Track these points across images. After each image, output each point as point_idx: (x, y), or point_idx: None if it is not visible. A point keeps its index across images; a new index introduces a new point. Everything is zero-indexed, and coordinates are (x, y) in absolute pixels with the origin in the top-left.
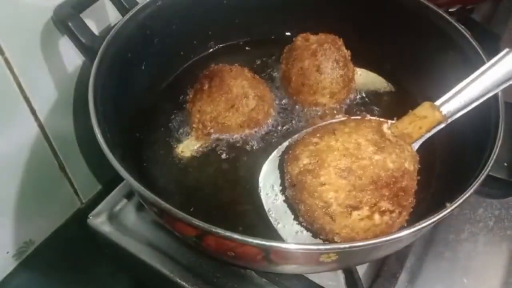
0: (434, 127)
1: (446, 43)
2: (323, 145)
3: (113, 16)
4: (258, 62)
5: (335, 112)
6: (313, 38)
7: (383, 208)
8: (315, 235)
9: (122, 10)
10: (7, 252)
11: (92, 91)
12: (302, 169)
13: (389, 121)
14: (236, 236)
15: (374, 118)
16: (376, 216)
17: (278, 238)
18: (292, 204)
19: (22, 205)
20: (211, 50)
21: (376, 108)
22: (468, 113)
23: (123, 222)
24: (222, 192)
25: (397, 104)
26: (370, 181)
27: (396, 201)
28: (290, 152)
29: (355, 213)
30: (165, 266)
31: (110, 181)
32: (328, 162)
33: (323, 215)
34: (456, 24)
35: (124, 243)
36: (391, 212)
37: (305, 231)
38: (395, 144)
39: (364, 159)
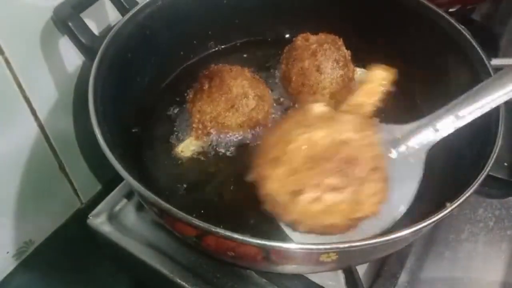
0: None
1: (446, 43)
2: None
3: (113, 16)
4: (258, 62)
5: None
6: (313, 38)
7: (332, 186)
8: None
9: (122, 10)
10: (7, 252)
11: (92, 91)
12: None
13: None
14: (236, 236)
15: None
16: (328, 196)
17: (281, 237)
18: None
19: (22, 205)
20: (211, 50)
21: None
22: None
23: (123, 222)
24: (222, 192)
25: (397, 104)
26: (304, 160)
27: (344, 174)
28: None
29: (302, 198)
30: (165, 266)
31: (110, 181)
32: (262, 156)
33: (276, 207)
34: (456, 24)
35: (124, 243)
36: (343, 188)
37: None
38: (326, 118)
39: (292, 142)
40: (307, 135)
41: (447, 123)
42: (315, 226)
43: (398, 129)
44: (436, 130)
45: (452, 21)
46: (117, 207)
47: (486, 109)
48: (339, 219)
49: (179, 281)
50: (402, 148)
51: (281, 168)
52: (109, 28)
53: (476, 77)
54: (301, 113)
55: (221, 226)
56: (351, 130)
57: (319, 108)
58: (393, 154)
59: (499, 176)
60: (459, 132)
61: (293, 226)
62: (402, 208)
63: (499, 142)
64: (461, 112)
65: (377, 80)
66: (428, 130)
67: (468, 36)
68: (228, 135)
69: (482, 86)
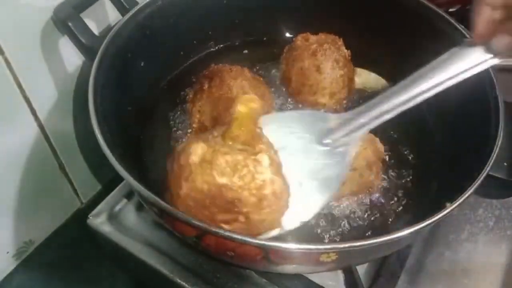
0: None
1: (446, 43)
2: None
3: (113, 16)
4: (258, 62)
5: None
6: (313, 38)
7: (224, 221)
8: None
9: (122, 10)
10: (7, 252)
11: (92, 91)
12: None
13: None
14: (235, 236)
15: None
16: (225, 227)
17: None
18: None
19: (22, 205)
20: (211, 50)
21: None
22: (469, 113)
23: (123, 222)
24: None
25: None
26: (194, 204)
27: (231, 211)
28: None
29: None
30: (165, 266)
31: (110, 181)
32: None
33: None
34: (456, 24)
35: (124, 243)
36: (234, 221)
37: None
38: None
39: (182, 188)
40: (189, 184)
41: (382, 112)
42: None
43: (334, 118)
44: (371, 119)
45: (452, 21)
46: (117, 207)
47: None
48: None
49: (179, 281)
50: (336, 136)
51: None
52: (109, 28)
53: (475, 76)
54: (181, 159)
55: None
56: (227, 173)
57: (195, 152)
58: (321, 145)
59: (499, 176)
60: (459, 132)
61: None
62: (321, 198)
63: (499, 142)
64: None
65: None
66: (360, 120)
67: (468, 36)
68: None
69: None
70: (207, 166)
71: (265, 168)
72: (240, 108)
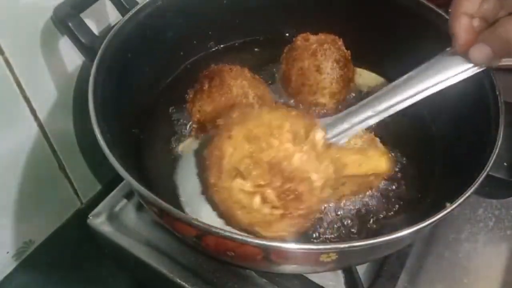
0: (377, 174)
1: (446, 42)
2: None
3: (113, 16)
4: (258, 62)
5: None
6: (313, 38)
7: (266, 196)
8: None
9: (122, 10)
10: (7, 252)
11: (92, 91)
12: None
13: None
14: (235, 235)
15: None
16: (256, 199)
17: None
18: None
19: (22, 205)
20: (211, 50)
21: None
22: (468, 113)
23: (123, 222)
24: None
25: None
26: (267, 159)
27: (283, 198)
28: None
29: (238, 180)
30: (165, 266)
31: (110, 181)
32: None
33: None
34: None
35: (124, 243)
36: (274, 207)
37: None
38: (317, 153)
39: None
40: (290, 148)
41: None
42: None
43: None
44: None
45: None
46: (117, 207)
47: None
48: (249, 221)
49: (179, 281)
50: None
51: (248, 145)
52: (109, 28)
53: (475, 76)
54: (306, 129)
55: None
56: (323, 180)
57: (321, 139)
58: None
59: (499, 176)
60: (459, 131)
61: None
62: None
63: (499, 142)
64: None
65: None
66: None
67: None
68: None
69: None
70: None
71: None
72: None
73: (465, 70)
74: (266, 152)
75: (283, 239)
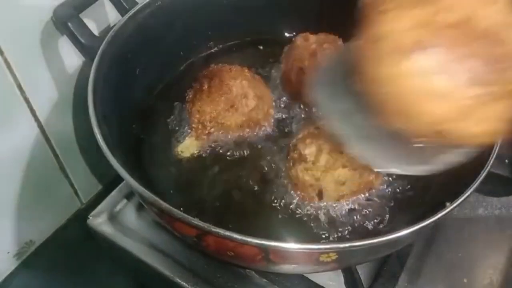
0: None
1: None
2: None
3: (113, 16)
4: (258, 62)
5: None
6: (313, 38)
7: (472, 69)
8: None
9: (122, 10)
10: (8, 252)
11: (92, 91)
12: None
13: None
14: (235, 236)
15: None
16: (459, 75)
17: (281, 237)
18: None
19: (22, 205)
20: (211, 50)
21: None
22: None
23: (123, 222)
24: (221, 192)
25: None
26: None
27: (497, 70)
28: None
29: (417, 57)
30: (165, 266)
31: (110, 181)
32: None
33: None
34: None
35: (124, 243)
36: (484, 84)
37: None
38: None
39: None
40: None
41: None
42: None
43: None
44: None
45: None
46: (117, 207)
47: None
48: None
49: (179, 281)
50: None
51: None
52: (109, 28)
53: None
54: None
55: (221, 226)
56: None
57: None
58: None
59: (502, 174)
60: None
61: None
62: None
63: (499, 140)
64: None
65: None
66: None
67: None
68: (228, 135)
69: None
70: None
71: None
72: None
73: None
74: (446, 14)
75: (493, 136)
